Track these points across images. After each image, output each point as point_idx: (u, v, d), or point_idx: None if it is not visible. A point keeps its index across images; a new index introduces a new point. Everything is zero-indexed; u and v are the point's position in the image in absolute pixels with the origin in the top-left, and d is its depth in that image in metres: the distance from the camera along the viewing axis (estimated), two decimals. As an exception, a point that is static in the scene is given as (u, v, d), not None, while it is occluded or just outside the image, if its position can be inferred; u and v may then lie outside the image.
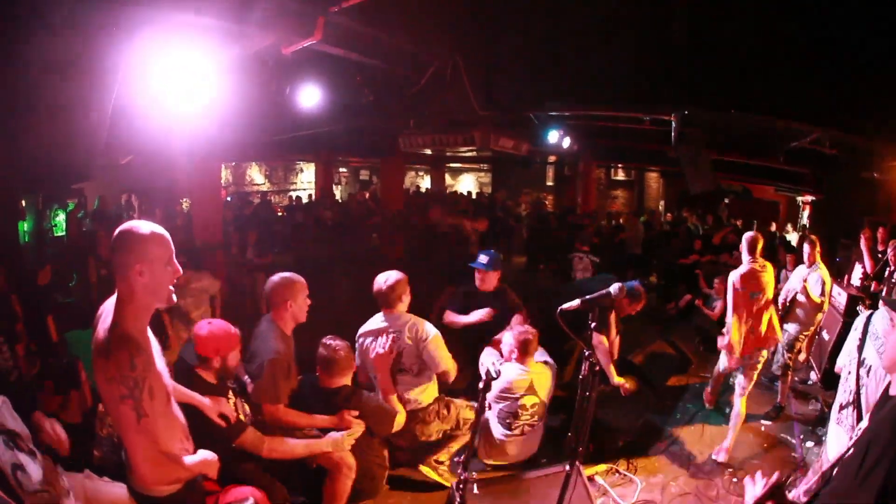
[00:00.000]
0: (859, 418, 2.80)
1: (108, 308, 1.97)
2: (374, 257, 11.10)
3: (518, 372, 4.06)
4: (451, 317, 4.62)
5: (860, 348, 2.98)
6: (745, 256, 4.77)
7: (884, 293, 5.79)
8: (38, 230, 5.95)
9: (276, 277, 3.32)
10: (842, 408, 2.99)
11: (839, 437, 2.91)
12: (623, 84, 6.34)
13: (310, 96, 5.56)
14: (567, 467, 2.68)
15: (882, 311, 3.00)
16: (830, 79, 5.37)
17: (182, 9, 3.19)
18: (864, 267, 6.56)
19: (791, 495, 3.40)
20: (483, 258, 4.64)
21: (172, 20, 3.20)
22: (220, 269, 6.58)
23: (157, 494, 2.06)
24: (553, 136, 9.05)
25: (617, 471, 4.40)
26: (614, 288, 2.71)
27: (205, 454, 2.19)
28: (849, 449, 1.80)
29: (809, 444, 4.80)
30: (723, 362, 4.97)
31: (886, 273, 6.05)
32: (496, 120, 8.03)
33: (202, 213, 7.57)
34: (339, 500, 3.10)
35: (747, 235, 4.87)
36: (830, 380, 5.25)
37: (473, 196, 17.50)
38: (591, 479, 4.17)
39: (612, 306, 4.57)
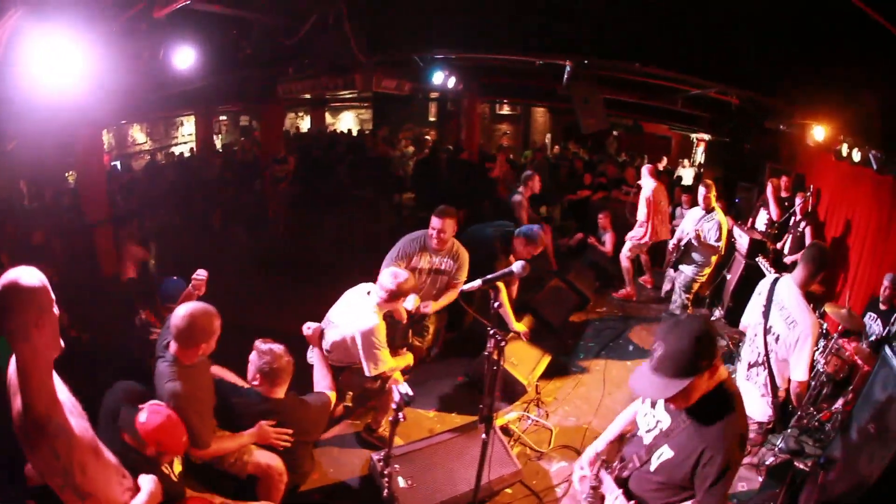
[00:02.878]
0: (772, 379, 3.04)
1: (13, 382, 1.74)
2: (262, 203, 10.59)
3: None
4: None
5: (766, 314, 3.07)
6: (650, 181, 6.71)
7: (790, 241, 6.28)
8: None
9: (193, 312, 2.60)
10: (751, 366, 3.13)
11: (750, 393, 3.09)
12: (514, 26, 5.93)
13: (185, 57, 5.20)
14: (483, 435, 2.70)
15: (786, 279, 3.13)
16: (740, 37, 4.98)
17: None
18: (769, 213, 6.76)
19: None
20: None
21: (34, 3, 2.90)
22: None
23: None
24: (438, 77, 8.89)
25: (529, 417, 4.41)
26: (517, 266, 2.69)
27: (147, 486, 2.11)
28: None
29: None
30: (626, 249, 6.92)
31: (792, 222, 6.37)
32: (378, 62, 7.86)
33: (87, 186, 6.84)
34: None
35: (648, 166, 7.01)
36: (734, 316, 5.64)
37: (354, 133, 17.06)
38: (504, 428, 4.17)
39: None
